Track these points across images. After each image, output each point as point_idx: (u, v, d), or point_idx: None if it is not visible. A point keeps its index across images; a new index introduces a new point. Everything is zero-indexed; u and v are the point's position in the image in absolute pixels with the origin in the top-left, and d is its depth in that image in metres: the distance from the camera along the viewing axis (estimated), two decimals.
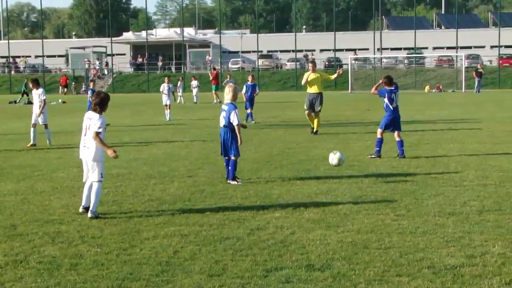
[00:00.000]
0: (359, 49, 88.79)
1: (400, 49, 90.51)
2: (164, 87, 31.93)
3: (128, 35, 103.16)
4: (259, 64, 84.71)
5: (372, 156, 15.95)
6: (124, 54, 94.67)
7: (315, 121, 22.22)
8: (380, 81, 16.61)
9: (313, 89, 22.55)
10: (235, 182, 12.52)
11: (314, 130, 22.07)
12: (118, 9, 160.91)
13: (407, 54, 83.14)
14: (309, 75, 22.76)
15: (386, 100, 15.96)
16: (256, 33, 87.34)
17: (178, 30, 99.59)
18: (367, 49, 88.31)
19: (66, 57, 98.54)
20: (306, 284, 6.64)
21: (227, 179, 12.66)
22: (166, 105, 30.93)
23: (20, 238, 8.54)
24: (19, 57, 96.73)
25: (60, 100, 55.91)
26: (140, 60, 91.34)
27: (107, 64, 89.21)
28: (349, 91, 67.43)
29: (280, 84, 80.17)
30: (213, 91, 50.06)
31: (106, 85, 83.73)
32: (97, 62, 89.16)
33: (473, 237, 8.35)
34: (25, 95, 56.07)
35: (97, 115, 9.83)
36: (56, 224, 9.30)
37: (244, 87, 28.78)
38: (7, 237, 8.60)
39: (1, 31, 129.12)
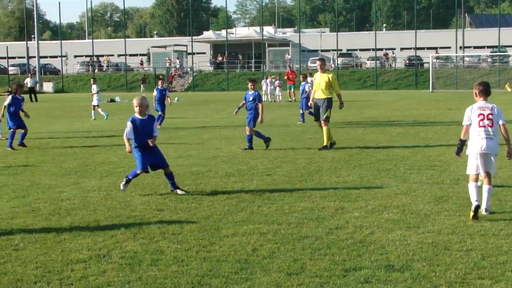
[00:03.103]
0: (440, 48, 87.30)
1: (483, 47, 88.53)
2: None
3: (208, 34, 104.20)
4: (339, 62, 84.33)
5: (245, 148, 17.87)
6: (204, 53, 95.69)
7: (324, 132, 17.94)
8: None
9: (319, 94, 18.19)
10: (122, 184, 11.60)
11: (324, 144, 17.78)
12: (199, 8, 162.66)
13: (491, 52, 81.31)
14: (315, 77, 18.69)
15: None
16: (335, 32, 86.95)
17: (257, 29, 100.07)
18: (449, 47, 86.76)
19: (148, 56, 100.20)
20: (385, 285, 6.58)
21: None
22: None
23: (103, 233, 8.73)
24: (102, 56, 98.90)
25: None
26: (220, 59, 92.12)
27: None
28: (430, 90, 66.41)
29: (360, 83, 79.61)
30: (289, 90, 50.32)
31: (187, 83, 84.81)
32: (178, 61, 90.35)
33: None
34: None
35: None
36: (138, 220, 9.46)
37: (301, 86, 28.55)
38: (91, 232, 8.80)
39: (85, 31, 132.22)
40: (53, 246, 8.14)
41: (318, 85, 18.22)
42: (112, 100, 54.96)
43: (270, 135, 18.87)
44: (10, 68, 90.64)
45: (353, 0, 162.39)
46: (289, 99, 48.86)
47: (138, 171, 11.61)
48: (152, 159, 11.63)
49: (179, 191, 11.58)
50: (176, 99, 54.12)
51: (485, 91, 9.66)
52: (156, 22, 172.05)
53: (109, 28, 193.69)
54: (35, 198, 11.27)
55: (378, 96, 57.73)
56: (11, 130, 19.60)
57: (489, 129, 9.42)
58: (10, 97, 20.13)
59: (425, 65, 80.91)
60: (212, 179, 13.08)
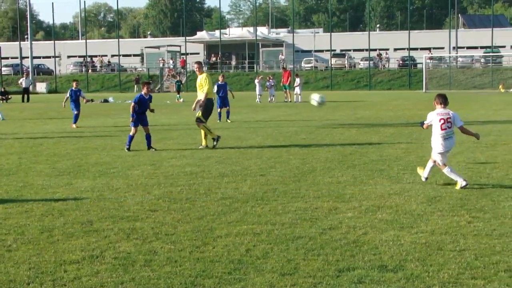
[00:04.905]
0: (434, 48, 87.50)
1: (476, 48, 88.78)
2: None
3: (202, 35, 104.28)
4: (332, 63, 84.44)
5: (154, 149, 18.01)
6: (198, 53, 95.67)
7: (201, 133, 19.05)
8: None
9: (199, 95, 19.22)
10: None
11: (203, 144, 18.72)
12: (192, 8, 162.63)
13: (484, 53, 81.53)
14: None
15: None
16: (329, 32, 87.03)
17: (251, 29, 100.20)
18: (443, 48, 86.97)
19: (141, 56, 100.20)
20: (378, 285, 6.58)
21: None
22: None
23: (96, 234, 8.71)
24: (96, 56, 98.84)
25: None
26: (213, 59, 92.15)
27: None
28: (424, 90, 66.56)
29: (353, 83, 79.76)
30: (286, 90, 50.34)
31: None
32: (171, 61, 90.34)
33: None
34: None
35: None
36: (131, 221, 9.44)
37: (216, 86, 28.48)
38: (84, 233, 8.78)
39: (79, 31, 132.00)
40: (46, 247, 8.13)
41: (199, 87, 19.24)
42: (106, 101, 54.81)
43: (264, 135, 18.85)
44: (3, 69, 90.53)
45: (346, 0, 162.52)
46: (286, 99, 49.08)
47: None
48: None
49: None
50: (168, 102, 52.76)
51: (444, 101, 11.87)
52: (150, 22, 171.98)
53: (102, 29, 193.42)
54: (28, 199, 11.24)
55: (371, 96, 57.81)
56: None
57: (449, 130, 11.71)
58: None
59: (419, 66, 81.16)
60: (205, 179, 13.07)
